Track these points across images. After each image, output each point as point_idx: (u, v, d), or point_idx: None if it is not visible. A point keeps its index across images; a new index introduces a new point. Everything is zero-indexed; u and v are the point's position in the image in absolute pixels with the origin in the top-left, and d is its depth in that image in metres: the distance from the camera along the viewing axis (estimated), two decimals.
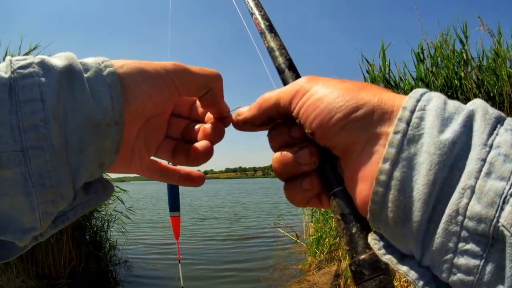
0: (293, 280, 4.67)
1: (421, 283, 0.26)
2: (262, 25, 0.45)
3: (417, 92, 0.29)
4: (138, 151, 0.39)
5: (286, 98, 0.35)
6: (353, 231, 0.32)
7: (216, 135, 0.41)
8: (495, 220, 0.22)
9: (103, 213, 5.74)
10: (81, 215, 0.34)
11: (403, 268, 0.27)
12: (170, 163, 0.44)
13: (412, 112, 0.27)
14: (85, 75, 0.30)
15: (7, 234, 0.27)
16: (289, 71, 0.41)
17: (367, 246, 0.31)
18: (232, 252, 6.55)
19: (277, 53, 0.42)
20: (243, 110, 0.40)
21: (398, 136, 0.27)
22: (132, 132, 0.36)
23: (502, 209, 0.22)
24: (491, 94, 4.01)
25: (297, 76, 0.40)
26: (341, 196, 0.33)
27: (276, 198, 20.65)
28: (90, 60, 0.32)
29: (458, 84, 4.16)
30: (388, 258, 0.29)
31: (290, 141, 0.36)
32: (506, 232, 0.22)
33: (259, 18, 0.46)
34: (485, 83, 4.12)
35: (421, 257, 0.26)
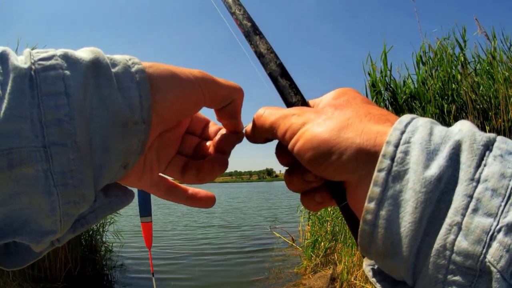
0: (288, 284, 4.66)
1: None
2: (245, 26, 0.42)
3: (402, 121, 0.28)
4: (149, 164, 0.38)
5: (279, 133, 0.35)
6: None
7: (228, 145, 0.40)
8: (482, 256, 0.22)
9: None
10: (102, 218, 0.33)
11: None
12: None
13: (396, 146, 0.27)
14: (113, 70, 0.29)
15: (23, 236, 0.26)
16: (281, 78, 0.39)
17: None
18: (227, 255, 6.55)
19: (266, 58, 0.40)
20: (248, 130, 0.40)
21: (383, 174, 0.26)
22: (150, 139, 0.35)
23: (489, 245, 0.22)
24: (486, 98, 4.08)
25: (291, 83, 0.39)
26: (348, 209, 0.34)
27: (272, 201, 20.60)
28: (117, 56, 0.31)
29: (455, 87, 4.24)
30: (382, 285, 0.29)
31: (296, 159, 0.36)
32: (492, 268, 0.22)
33: (240, 18, 0.42)
34: (481, 86, 4.19)
35: (413, 284, 0.27)
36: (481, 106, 4.03)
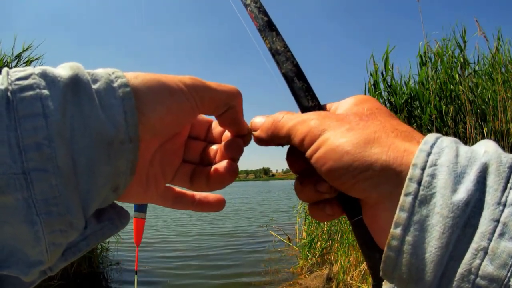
0: (285, 283, 4.66)
1: None
2: (260, 20, 0.39)
3: (427, 142, 0.28)
4: (153, 178, 0.36)
5: (297, 138, 0.33)
6: (377, 258, 0.32)
7: (237, 151, 0.38)
8: (506, 280, 0.23)
9: None
10: (94, 245, 0.31)
11: None
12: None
13: (423, 169, 0.26)
14: (94, 87, 0.27)
15: (11, 268, 0.24)
16: (297, 80, 0.37)
17: None
18: (223, 255, 6.55)
19: (282, 57, 0.38)
20: (257, 124, 0.39)
21: (410, 199, 0.26)
22: (147, 155, 0.33)
23: None
24: (486, 98, 4.11)
25: (307, 86, 0.37)
26: (361, 225, 0.33)
27: (268, 200, 20.61)
28: (99, 71, 0.28)
29: (453, 89, 4.27)
30: None
31: (309, 167, 0.35)
32: None
33: (256, 11, 0.40)
34: (480, 87, 4.22)
35: None
36: (479, 108, 4.05)
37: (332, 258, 4.76)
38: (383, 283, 0.32)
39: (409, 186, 0.26)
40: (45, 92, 0.24)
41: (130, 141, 0.28)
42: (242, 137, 0.39)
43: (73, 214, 0.25)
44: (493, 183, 0.25)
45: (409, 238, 0.26)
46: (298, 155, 0.35)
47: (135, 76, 0.29)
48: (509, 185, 0.24)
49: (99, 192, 0.27)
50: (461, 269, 0.24)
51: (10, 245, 0.24)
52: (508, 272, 0.23)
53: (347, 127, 0.31)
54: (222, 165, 0.38)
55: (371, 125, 0.31)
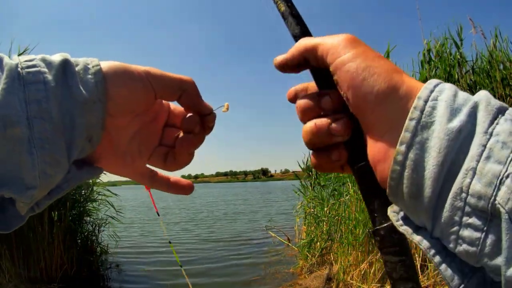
0: (284, 284, 4.69)
1: (432, 251, 0.30)
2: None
3: (431, 83, 0.32)
4: (130, 154, 0.44)
5: (325, 48, 0.36)
6: (376, 204, 0.35)
7: (191, 123, 0.44)
8: (492, 198, 0.26)
9: (94, 217, 5.72)
10: (74, 186, 0.40)
11: (417, 238, 0.31)
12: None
13: (426, 101, 0.31)
14: (76, 68, 0.37)
15: (12, 188, 0.32)
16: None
17: (387, 218, 0.35)
18: (223, 256, 6.56)
19: (293, 20, 0.41)
20: (280, 56, 0.41)
21: (413, 123, 0.30)
22: (125, 134, 0.43)
23: (498, 189, 0.26)
24: None
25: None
26: (365, 171, 0.36)
27: (267, 201, 20.60)
28: (80, 59, 0.38)
29: None
30: (404, 229, 0.33)
31: (321, 113, 0.38)
32: (501, 209, 0.25)
33: None
34: (478, 85, 4.22)
35: (432, 229, 0.30)
36: None
37: (332, 258, 4.77)
38: (389, 207, 0.35)
39: (413, 113, 0.31)
40: (44, 69, 0.35)
41: (100, 101, 0.37)
42: (204, 116, 0.45)
43: (59, 154, 0.34)
44: (482, 117, 0.29)
45: (411, 155, 0.30)
46: (312, 99, 0.39)
47: (107, 63, 0.39)
48: (496, 121, 0.28)
49: (78, 141, 0.36)
50: (454, 187, 0.28)
51: (14, 170, 0.32)
52: (493, 190, 0.26)
53: (373, 56, 0.35)
54: (180, 138, 0.45)
55: (388, 63, 0.35)
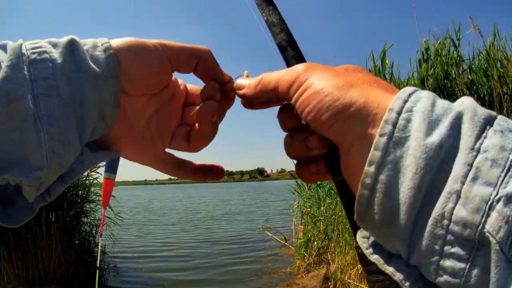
0: (282, 284, 4.68)
1: (407, 283, 0.26)
2: None
3: (405, 92, 0.28)
4: (150, 137, 0.42)
5: (284, 86, 0.35)
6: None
7: (210, 90, 0.41)
8: (480, 226, 0.22)
9: (91, 218, 5.71)
10: (88, 168, 0.37)
11: (390, 269, 0.28)
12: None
13: (399, 114, 0.27)
14: (85, 46, 0.35)
15: (14, 171, 0.29)
16: (291, 49, 0.39)
17: None
18: (220, 256, 6.56)
19: (277, 28, 0.40)
20: (242, 83, 0.40)
21: (384, 139, 0.26)
22: (142, 116, 0.41)
23: (488, 215, 0.22)
24: (481, 94, 4.11)
25: (299, 55, 0.39)
26: (343, 186, 0.34)
27: (264, 200, 20.59)
28: (88, 39, 0.37)
29: (449, 85, 4.29)
30: (375, 258, 0.29)
31: (299, 125, 0.37)
32: (491, 239, 0.22)
33: None
34: (476, 83, 4.22)
35: (408, 257, 0.26)
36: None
37: (329, 257, 4.76)
38: (358, 232, 0.32)
39: (384, 128, 0.27)
40: (51, 49, 0.33)
41: (112, 77, 0.35)
42: (223, 84, 0.43)
43: (69, 131, 0.32)
44: (467, 130, 0.25)
45: (382, 177, 0.26)
46: (289, 110, 0.37)
47: (118, 39, 0.37)
48: (483, 134, 0.24)
49: (90, 116, 0.34)
50: (435, 213, 0.24)
51: (18, 150, 0.30)
52: (482, 217, 0.22)
53: (333, 73, 0.33)
54: (200, 107, 0.42)
55: (356, 76, 0.32)
